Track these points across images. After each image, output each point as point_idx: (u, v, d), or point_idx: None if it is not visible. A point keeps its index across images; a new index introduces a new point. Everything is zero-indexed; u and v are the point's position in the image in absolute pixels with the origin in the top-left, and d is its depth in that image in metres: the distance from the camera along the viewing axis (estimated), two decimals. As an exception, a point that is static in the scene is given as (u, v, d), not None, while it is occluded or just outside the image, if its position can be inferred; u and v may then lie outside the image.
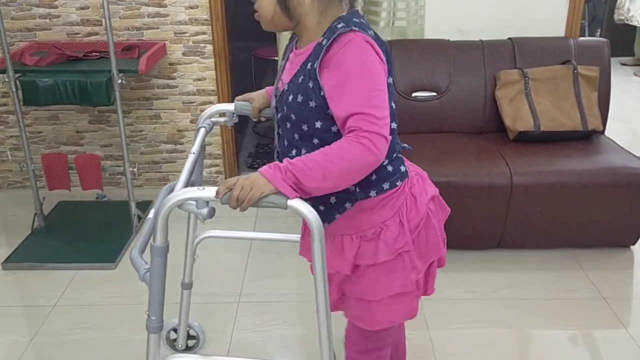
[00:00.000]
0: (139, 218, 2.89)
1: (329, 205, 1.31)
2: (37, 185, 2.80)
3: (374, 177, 1.28)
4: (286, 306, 2.30)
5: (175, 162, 3.30)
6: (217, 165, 3.33)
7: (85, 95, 2.57)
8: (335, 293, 1.43)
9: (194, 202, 1.17)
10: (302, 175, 1.13)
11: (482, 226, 2.54)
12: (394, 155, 1.33)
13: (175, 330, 2.00)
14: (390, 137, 1.18)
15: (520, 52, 2.86)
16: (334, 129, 1.24)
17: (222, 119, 1.67)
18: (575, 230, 2.57)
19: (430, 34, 3.01)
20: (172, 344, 2.02)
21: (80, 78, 2.56)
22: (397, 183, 1.32)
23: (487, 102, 2.86)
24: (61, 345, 2.11)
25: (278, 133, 1.36)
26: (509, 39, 2.92)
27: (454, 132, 2.88)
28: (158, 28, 2.99)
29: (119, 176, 3.33)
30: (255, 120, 1.65)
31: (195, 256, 1.86)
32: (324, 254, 1.20)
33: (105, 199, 3.15)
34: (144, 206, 3.02)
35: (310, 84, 1.21)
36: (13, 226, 2.93)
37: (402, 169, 1.34)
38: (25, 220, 2.88)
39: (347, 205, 1.31)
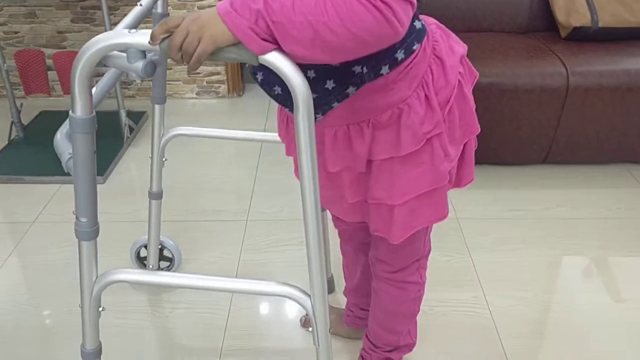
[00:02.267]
0: (131, 129, 2.54)
1: (325, 92, 0.93)
2: (12, 90, 2.42)
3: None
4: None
5: (172, 68, 2.91)
6: (218, 73, 2.94)
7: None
8: (350, 194, 1.06)
9: (124, 55, 0.82)
10: (281, 30, 0.75)
11: (529, 137, 2.18)
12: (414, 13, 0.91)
13: (146, 247, 1.69)
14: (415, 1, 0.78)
15: None
16: None
17: None
18: (636, 142, 2.21)
19: None
20: (142, 263, 1.73)
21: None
22: (414, 46, 0.92)
23: (534, -5, 2.44)
24: (40, 264, 1.81)
25: None
26: None
27: (493, 30, 2.47)
28: None
29: (109, 85, 2.94)
30: None
31: (164, 159, 1.54)
32: (312, 134, 0.83)
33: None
34: (137, 117, 2.66)
35: None
36: (-12, 137, 2.58)
37: (418, 24, 0.93)
38: (1, 130, 2.54)
39: (351, 90, 0.92)
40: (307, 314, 1.56)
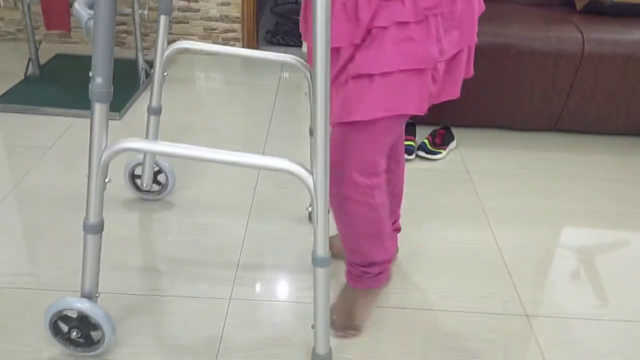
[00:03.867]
0: (147, 74, 2.55)
1: None
2: (32, 26, 2.43)
3: None
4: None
5: (188, 22, 2.93)
6: (234, 31, 2.97)
7: None
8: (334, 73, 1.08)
9: None
10: None
11: (541, 101, 2.23)
12: None
13: (140, 165, 1.70)
14: None
15: None
16: None
17: None
18: (644, 114, 2.27)
19: None
20: (135, 182, 1.74)
21: None
22: None
23: (553, -32, 2.49)
24: (51, 187, 1.82)
25: None
26: None
27: (511, 1, 2.52)
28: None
29: (124, 35, 2.96)
30: None
31: (165, 74, 1.54)
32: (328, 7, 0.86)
33: (109, 54, 2.81)
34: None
35: None
36: (3, 75, 2.57)
37: None
38: (18, 70, 2.54)
39: None
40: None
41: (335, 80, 1.09)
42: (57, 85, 2.46)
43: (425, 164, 2.09)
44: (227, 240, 1.62)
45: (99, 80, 0.97)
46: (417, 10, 0.98)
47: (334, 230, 1.38)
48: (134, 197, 1.77)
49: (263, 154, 2.07)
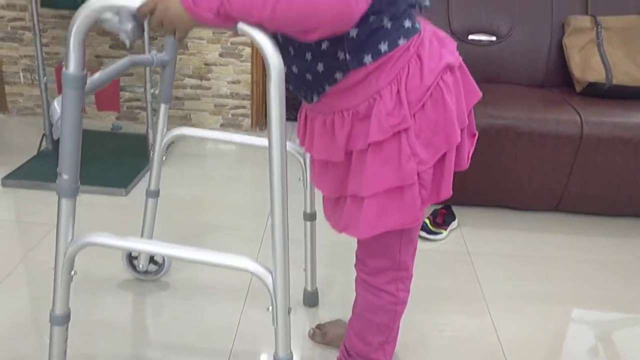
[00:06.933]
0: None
1: (317, 75, 1.03)
2: (48, 102, 2.54)
3: (365, 36, 0.97)
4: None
5: (200, 99, 3.03)
6: (244, 107, 3.06)
7: (109, 0, 2.30)
8: (330, 187, 1.17)
9: (116, 16, 0.92)
10: (242, 17, 0.88)
11: (542, 182, 2.24)
12: (401, 11, 1.00)
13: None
14: None
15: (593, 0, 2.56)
16: None
17: None
18: (647, 196, 2.26)
19: (492, -26, 2.71)
20: (132, 263, 1.77)
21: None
22: (399, 41, 1.00)
23: (552, 51, 2.56)
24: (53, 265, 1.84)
25: None
26: (582, -16, 2.62)
27: (512, 83, 2.58)
28: None
29: (137, 111, 3.07)
30: None
31: (164, 158, 1.61)
32: (282, 101, 0.93)
33: (121, 130, 2.91)
34: (162, 140, 2.75)
35: None
36: (18, 149, 2.65)
37: (407, 24, 1.01)
38: (33, 145, 2.63)
39: (338, 75, 1.02)
40: (316, 327, 1.59)
41: (339, 196, 1.16)
42: (68, 160, 2.54)
43: (426, 244, 2.09)
44: (221, 326, 1.61)
45: (65, 177, 1.01)
46: (383, 128, 1.01)
47: (332, 316, 1.37)
48: (131, 277, 1.78)
49: (264, 231, 2.10)
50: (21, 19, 2.89)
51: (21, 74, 2.93)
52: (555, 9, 2.56)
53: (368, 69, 1.00)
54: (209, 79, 2.99)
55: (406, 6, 1.02)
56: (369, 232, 1.10)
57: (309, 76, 1.04)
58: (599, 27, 2.47)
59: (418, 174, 1.05)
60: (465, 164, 1.17)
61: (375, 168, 1.05)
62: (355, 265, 1.28)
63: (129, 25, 0.90)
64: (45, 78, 2.49)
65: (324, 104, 1.08)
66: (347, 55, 0.99)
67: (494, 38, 2.57)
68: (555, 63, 2.56)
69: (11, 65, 2.99)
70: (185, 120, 3.06)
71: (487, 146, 2.15)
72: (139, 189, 2.39)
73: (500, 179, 2.25)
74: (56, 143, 2.68)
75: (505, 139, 2.17)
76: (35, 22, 2.42)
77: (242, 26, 0.88)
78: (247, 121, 3.09)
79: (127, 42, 0.93)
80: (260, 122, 3.09)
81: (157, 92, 2.54)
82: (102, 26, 0.94)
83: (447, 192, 1.12)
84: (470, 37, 2.57)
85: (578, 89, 2.45)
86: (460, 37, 2.55)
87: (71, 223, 1.06)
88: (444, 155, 1.08)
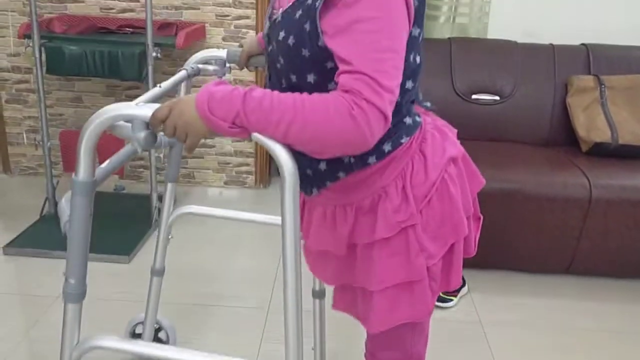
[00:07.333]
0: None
1: (319, 172, 1.03)
2: (51, 167, 2.53)
3: None
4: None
5: (203, 157, 3.02)
6: (247, 165, 3.05)
7: (114, 67, 2.33)
8: (332, 277, 1.13)
9: (129, 125, 0.90)
10: (257, 129, 0.87)
11: (551, 245, 2.21)
12: (403, 111, 1.01)
13: (141, 324, 1.68)
14: (390, 118, 0.87)
15: (595, 60, 2.58)
16: (331, 86, 0.92)
17: (211, 67, 1.39)
18: (659, 258, 2.23)
19: (492, 34, 2.75)
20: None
21: (111, 48, 2.32)
22: (402, 139, 1.00)
23: (555, 110, 2.56)
24: (59, 340, 1.79)
25: (269, 77, 1.06)
26: (583, 44, 2.65)
27: (516, 142, 2.57)
28: (199, 9, 2.76)
29: (141, 170, 3.06)
30: (240, 69, 1.38)
31: (170, 237, 1.58)
32: (296, 210, 0.90)
33: (124, 190, 2.89)
34: (166, 201, 2.74)
35: (307, 26, 0.90)
36: (20, 212, 2.64)
37: (409, 121, 1.02)
38: (35, 207, 2.61)
39: (341, 174, 1.02)
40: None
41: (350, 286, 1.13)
42: (71, 224, 2.51)
43: (438, 312, 2.04)
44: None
45: (72, 281, 0.98)
46: (390, 224, 1.00)
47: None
48: (135, 357, 1.73)
49: (270, 301, 2.06)
50: (26, 82, 2.91)
51: (24, 135, 2.93)
52: (557, 69, 2.57)
53: (372, 168, 1.00)
54: (212, 138, 2.99)
55: (406, 103, 1.02)
56: (380, 326, 1.07)
57: (309, 172, 1.03)
58: (603, 86, 2.48)
59: (427, 267, 1.03)
60: (473, 250, 1.15)
61: (383, 263, 1.02)
62: (365, 357, 1.24)
63: (142, 134, 0.89)
64: (49, 143, 2.49)
65: (324, 197, 1.06)
66: (352, 159, 0.99)
67: (497, 97, 2.58)
68: (559, 122, 2.56)
69: (15, 126, 2.99)
70: (189, 179, 3.05)
71: (494, 209, 2.13)
72: (143, 254, 2.36)
73: (509, 242, 2.22)
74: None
75: (513, 203, 2.15)
76: (40, 85, 2.43)
77: (257, 136, 0.86)
78: (251, 178, 3.07)
79: (139, 150, 0.91)
80: (264, 179, 3.08)
81: (161, 155, 2.54)
82: (114, 133, 0.92)
83: (457, 281, 1.10)
84: (474, 96, 2.58)
85: (584, 148, 2.44)
86: (463, 97, 2.56)
87: (77, 328, 1.03)
88: (452, 245, 1.07)
